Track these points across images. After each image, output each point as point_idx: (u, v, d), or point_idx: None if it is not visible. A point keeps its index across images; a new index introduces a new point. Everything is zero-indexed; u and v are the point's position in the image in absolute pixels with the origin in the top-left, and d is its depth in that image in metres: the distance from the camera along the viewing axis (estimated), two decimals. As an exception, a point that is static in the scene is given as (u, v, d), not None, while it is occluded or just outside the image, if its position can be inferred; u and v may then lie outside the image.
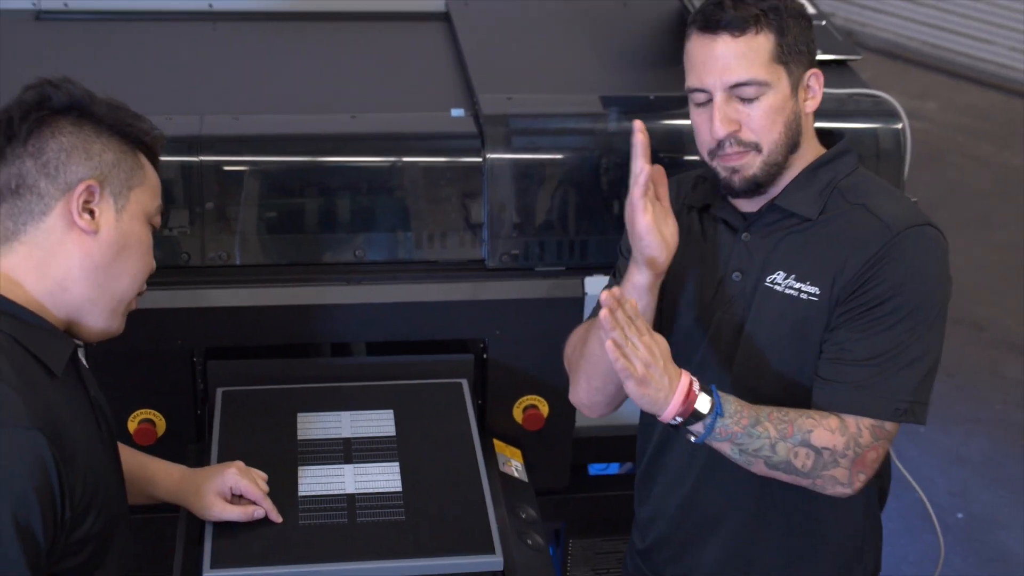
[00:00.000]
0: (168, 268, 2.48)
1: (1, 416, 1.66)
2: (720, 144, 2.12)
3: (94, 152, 1.83)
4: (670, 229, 2.08)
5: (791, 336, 2.15)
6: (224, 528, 2.18)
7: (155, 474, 2.23)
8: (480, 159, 2.56)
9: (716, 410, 2.02)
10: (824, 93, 2.60)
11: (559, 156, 2.58)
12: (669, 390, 1.99)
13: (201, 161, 2.49)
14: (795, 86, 2.13)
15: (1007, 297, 5.52)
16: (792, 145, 2.15)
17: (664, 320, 2.28)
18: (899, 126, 2.67)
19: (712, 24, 2.10)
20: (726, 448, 2.05)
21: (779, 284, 2.15)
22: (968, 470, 4.47)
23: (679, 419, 2.00)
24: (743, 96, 2.10)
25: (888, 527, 4.06)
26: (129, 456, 2.22)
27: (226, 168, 2.51)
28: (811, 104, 2.17)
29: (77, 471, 1.75)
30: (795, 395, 2.16)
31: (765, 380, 2.20)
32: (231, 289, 2.53)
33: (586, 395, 2.29)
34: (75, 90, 1.85)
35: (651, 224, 2.03)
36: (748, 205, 2.21)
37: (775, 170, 2.14)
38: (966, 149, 6.88)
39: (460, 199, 2.58)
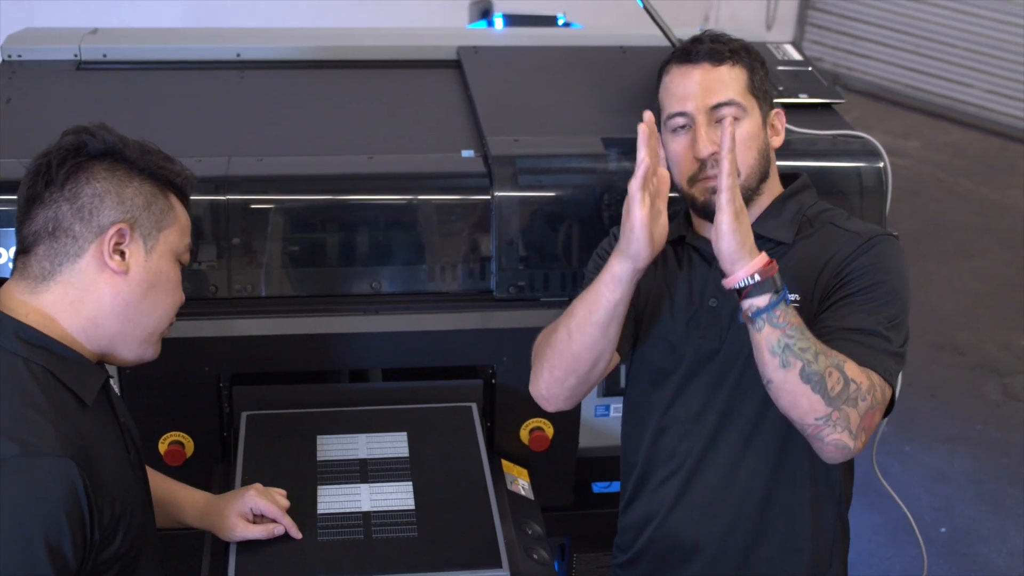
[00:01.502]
0: (197, 300, 2.48)
1: (36, 444, 1.66)
2: (702, 166, 2.13)
3: (126, 196, 1.83)
4: (660, 229, 2.01)
5: None
6: (247, 545, 2.17)
7: (182, 501, 2.23)
8: (489, 197, 2.56)
9: (785, 292, 1.95)
10: (810, 134, 2.61)
11: (562, 194, 2.58)
12: (753, 248, 1.94)
13: (228, 200, 2.49)
14: (764, 120, 2.19)
15: (986, 323, 5.50)
16: (763, 174, 2.19)
17: (643, 347, 2.27)
18: (881, 165, 2.66)
19: (692, 56, 2.16)
20: (774, 338, 1.94)
21: None
22: (951, 487, 4.45)
23: (757, 277, 1.92)
24: (723, 118, 2.10)
25: (874, 541, 4.07)
26: (160, 483, 2.22)
27: (251, 206, 2.51)
28: (776, 141, 2.23)
29: (105, 495, 1.74)
30: (777, 415, 2.11)
31: (746, 402, 2.18)
32: (256, 319, 2.52)
33: (546, 386, 2.22)
34: (109, 136, 1.85)
35: (645, 219, 1.95)
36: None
37: (749, 195, 2.16)
38: (946, 184, 6.87)
39: (470, 234, 2.58)
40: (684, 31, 3.11)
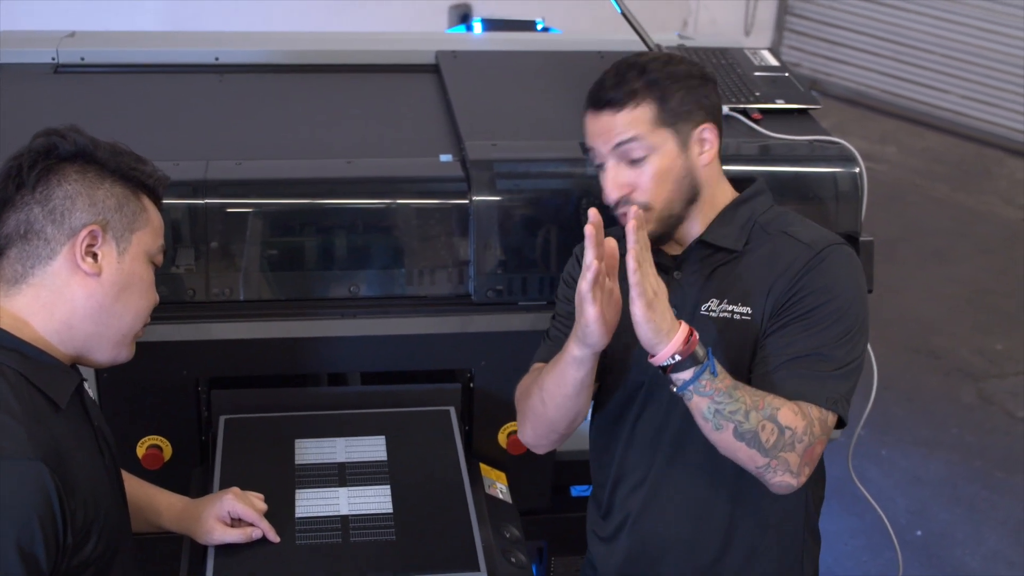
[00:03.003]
0: (175, 303, 2.48)
1: (7, 448, 1.66)
2: (616, 204, 2.16)
3: (98, 198, 1.83)
4: (613, 314, 2.05)
5: (728, 358, 2.15)
6: (225, 549, 2.17)
7: (160, 505, 2.22)
8: (467, 201, 2.56)
9: (709, 361, 1.99)
10: (786, 140, 2.62)
11: (540, 198, 2.58)
12: (672, 326, 1.97)
13: (206, 204, 2.49)
14: (684, 143, 2.16)
15: (962, 328, 5.53)
16: (688, 198, 2.18)
17: (609, 359, 2.29)
18: (856, 170, 2.67)
19: (597, 102, 2.17)
20: (703, 405, 2.00)
21: (714, 311, 2.17)
22: (926, 490, 4.47)
23: (677, 357, 1.96)
24: (631, 158, 2.14)
25: (851, 544, 4.08)
26: (138, 487, 2.22)
27: (229, 210, 2.51)
28: (707, 156, 2.19)
29: (78, 498, 1.74)
30: None
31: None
32: (234, 323, 2.52)
33: (532, 439, 2.30)
34: (80, 138, 1.85)
35: (599, 315, 2.00)
36: (673, 249, 2.25)
37: (672, 222, 2.19)
38: (923, 190, 6.90)
39: (448, 238, 2.58)
40: (662, 36, 3.14)
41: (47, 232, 1.80)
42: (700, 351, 1.98)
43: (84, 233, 1.81)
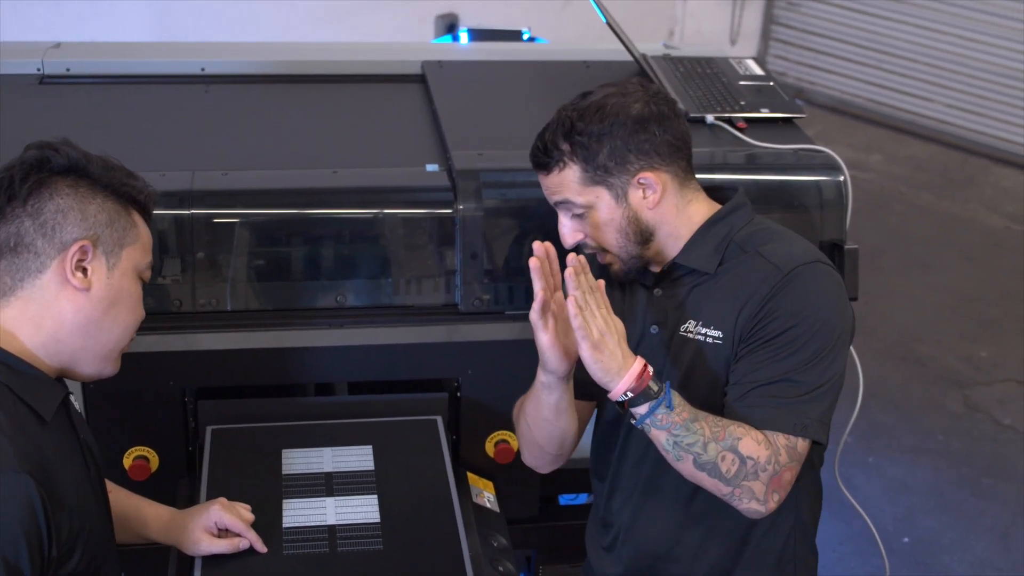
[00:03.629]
0: (161, 314, 2.48)
1: None
2: (575, 249, 2.19)
3: (89, 213, 1.83)
4: (571, 340, 2.08)
5: (703, 379, 2.17)
6: (212, 560, 2.16)
7: (147, 515, 2.22)
8: (453, 211, 2.56)
9: (666, 395, 2.02)
10: (772, 149, 2.63)
11: (526, 208, 2.59)
12: (623, 363, 2.01)
13: (192, 214, 2.48)
14: (622, 194, 2.16)
15: (947, 335, 5.54)
16: (642, 239, 2.19)
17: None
18: (841, 179, 2.68)
19: (533, 163, 2.22)
20: (662, 438, 2.04)
21: (691, 332, 2.18)
22: (913, 497, 4.48)
23: (629, 394, 2.01)
24: (573, 213, 2.18)
25: (838, 551, 4.09)
26: (125, 498, 2.21)
27: (215, 220, 2.51)
28: (652, 199, 2.17)
29: (64, 511, 1.74)
30: None
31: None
32: (220, 333, 2.52)
33: (532, 461, 2.36)
34: (73, 152, 1.85)
35: (552, 340, 2.07)
36: (654, 265, 2.25)
37: (637, 262, 2.21)
38: (908, 198, 6.92)
39: (434, 248, 2.58)
40: (648, 46, 3.15)
41: (37, 245, 1.80)
42: (654, 386, 2.03)
43: (75, 248, 1.81)
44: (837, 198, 2.68)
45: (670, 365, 2.20)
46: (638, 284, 2.27)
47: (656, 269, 2.24)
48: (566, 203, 2.18)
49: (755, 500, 2.05)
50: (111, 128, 2.80)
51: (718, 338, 2.15)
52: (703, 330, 2.17)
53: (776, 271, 2.13)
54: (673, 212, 2.19)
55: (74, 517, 1.77)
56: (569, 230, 2.20)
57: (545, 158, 2.17)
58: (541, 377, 2.15)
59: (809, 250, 2.20)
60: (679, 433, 2.03)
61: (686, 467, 2.06)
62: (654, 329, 2.22)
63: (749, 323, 2.12)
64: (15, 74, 3.00)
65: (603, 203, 2.16)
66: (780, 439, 2.07)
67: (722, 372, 2.16)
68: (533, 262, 2.05)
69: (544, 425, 2.22)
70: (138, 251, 1.90)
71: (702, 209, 2.23)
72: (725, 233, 2.21)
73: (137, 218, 1.92)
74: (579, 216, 2.18)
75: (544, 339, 2.06)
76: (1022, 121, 7.33)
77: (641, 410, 2.02)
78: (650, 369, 2.03)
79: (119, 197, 1.88)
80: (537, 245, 2.07)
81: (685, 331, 2.19)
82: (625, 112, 2.14)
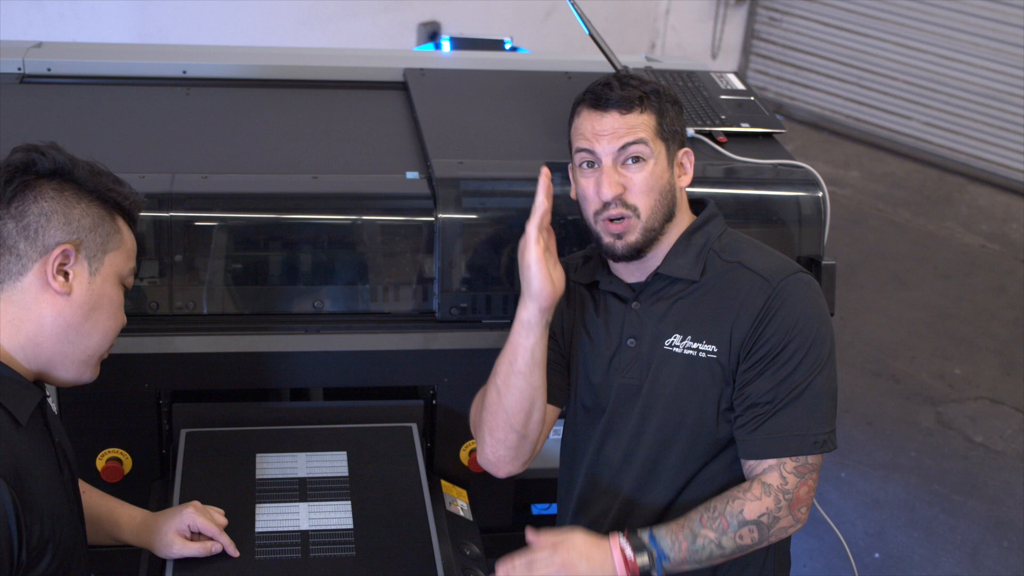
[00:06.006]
0: (138, 316, 2.47)
1: None
2: (606, 205, 2.17)
3: (73, 217, 1.82)
4: (558, 273, 2.13)
5: (693, 393, 2.19)
6: (184, 563, 2.16)
7: (120, 517, 2.21)
8: (432, 219, 2.57)
9: (658, 558, 2.08)
10: (751, 163, 2.64)
11: (506, 217, 2.59)
12: (610, 569, 2.06)
13: (171, 217, 2.48)
14: (671, 162, 2.21)
15: (922, 352, 5.57)
16: (668, 214, 2.21)
17: (573, 390, 2.33)
18: (820, 194, 2.70)
19: (603, 102, 2.19)
20: (684, 568, 2.11)
21: (677, 346, 2.19)
22: (885, 513, 4.49)
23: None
24: (633, 156, 2.17)
25: (810, 566, 4.10)
26: (98, 499, 2.20)
27: (194, 223, 2.51)
28: (684, 180, 2.25)
29: (35, 515, 1.73)
30: (700, 447, 2.21)
31: (671, 436, 2.23)
32: (197, 337, 2.52)
33: (491, 451, 2.27)
34: (59, 156, 1.84)
35: (540, 256, 2.09)
36: (632, 276, 2.26)
37: (653, 235, 2.20)
38: (885, 214, 6.95)
39: (413, 255, 2.58)
40: (630, 58, 3.15)
41: (19, 248, 1.80)
42: (643, 561, 2.08)
43: (57, 252, 1.80)
44: (815, 214, 2.69)
45: (651, 379, 2.21)
46: (613, 298, 2.27)
47: (633, 279, 2.25)
48: (636, 145, 2.16)
49: (790, 529, 2.15)
50: (92, 129, 2.79)
51: (712, 352, 2.16)
52: (694, 344, 2.17)
53: (765, 284, 2.16)
54: (683, 203, 2.27)
55: (45, 521, 1.76)
56: (613, 181, 2.16)
57: (629, 95, 2.18)
58: (522, 314, 2.14)
59: (787, 261, 2.24)
60: (692, 558, 2.10)
61: (722, 563, 2.16)
62: (630, 342, 2.23)
63: (747, 341, 2.14)
64: (-5, 72, 2.99)
65: (660, 159, 2.19)
66: (787, 465, 2.12)
67: (716, 387, 2.17)
68: (545, 172, 2.10)
69: (516, 381, 2.18)
70: (121, 257, 1.90)
71: (685, 217, 2.27)
72: (703, 242, 2.23)
73: (122, 224, 1.91)
74: (635, 165, 2.16)
75: (535, 252, 2.08)
76: (999, 140, 7.38)
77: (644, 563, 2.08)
78: (627, 549, 2.08)
79: (104, 202, 1.88)
80: (545, 167, 2.12)
81: (670, 346, 2.19)
82: (674, 95, 2.26)
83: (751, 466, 2.17)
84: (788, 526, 2.14)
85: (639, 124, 2.17)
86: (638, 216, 2.17)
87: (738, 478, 2.21)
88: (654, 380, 2.21)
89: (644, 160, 2.17)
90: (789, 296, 2.14)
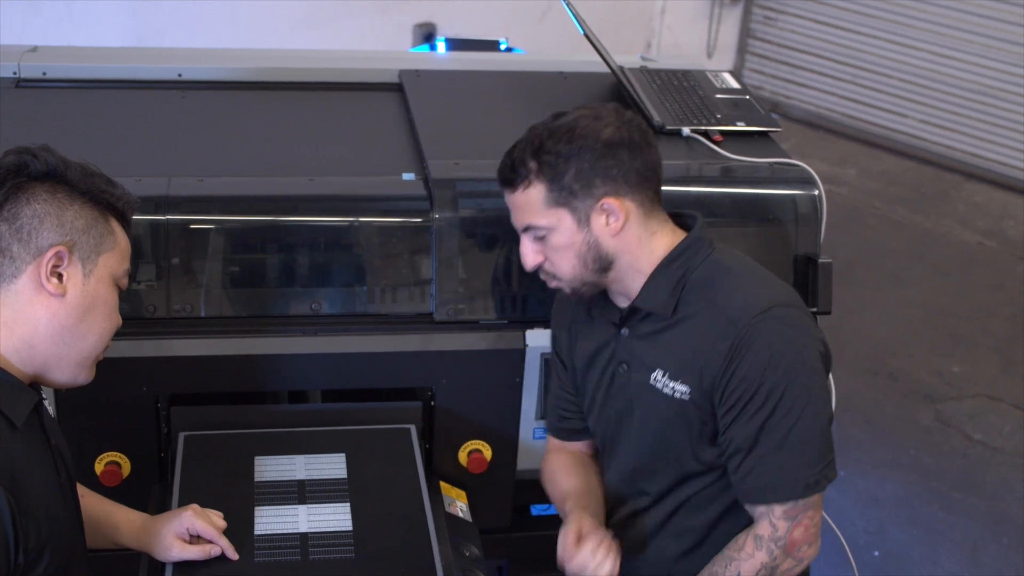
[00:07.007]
0: (135, 319, 2.47)
1: None
2: (534, 271, 2.22)
3: (66, 219, 1.82)
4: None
5: (679, 434, 2.20)
6: (183, 566, 2.16)
7: (118, 521, 2.21)
8: (429, 220, 2.57)
9: None
10: (747, 162, 2.64)
11: (502, 217, 2.57)
12: None
13: (168, 220, 2.48)
14: (585, 218, 2.14)
15: (920, 350, 5.57)
16: (600, 268, 2.17)
17: (585, 408, 2.38)
18: (816, 193, 2.70)
19: (500, 180, 2.20)
20: None
21: (659, 382, 2.19)
22: (884, 511, 4.49)
23: None
24: (535, 236, 2.17)
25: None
26: (96, 503, 2.20)
27: (191, 226, 2.51)
28: (615, 226, 2.14)
29: (32, 518, 1.73)
30: (689, 474, 2.22)
31: (660, 465, 2.26)
32: (194, 339, 2.51)
33: None
34: (52, 158, 1.84)
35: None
36: (621, 302, 2.25)
37: (590, 288, 2.20)
38: (881, 212, 6.95)
39: (410, 257, 2.59)
40: (625, 58, 3.16)
41: (13, 250, 1.80)
42: None
43: (50, 253, 1.80)
44: (812, 212, 2.69)
45: (638, 409, 2.23)
46: (606, 322, 2.28)
47: (621, 304, 2.25)
48: (530, 227, 2.17)
49: (796, 568, 2.16)
50: (87, 133, 2.79)
51: (685, 393, 2.16)
52: (671, 383, 2.17)
53: (731, 327, 2.09)
54: (635, 242, 2.17)
55: (42, 525, 1.76)
56: (530, 252, 2.19)
57: (511, 174, 2.15)
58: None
59: (763, 290, 2.16)
60: None
61: None
62: (623, 368, 2.25)
63: (716, 384, 2.11)
64: (-9, 77, 2.99)
65: (564, 226, 2.14)
66: (775, 511, 2.11)
67: (694, 426, 2.17)
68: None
69: None
70: (115, 258, 1.90)
71: (665, 242, 2.20)
72: (680, 275, 2.17)
73: (115, 225, 1.91)
74: (540, 239, 2.17)
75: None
76: (995, 138, 7.39)
77: None
78: None
79: (97, 204, 1.88)
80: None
81: (654, 380, 2.19)
82: (595, 135, 2.11)
83: (747, 508, 2.18)
84: (791, 567, 2.13)
85: (528, 202, 2.15)
86: (562, 279, 2.19)
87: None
88: (643, 409, 2.23)
89: (547, 234, 2.15)
90: (757, 339, 2.07)
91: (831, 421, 2.15)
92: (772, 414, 2.07)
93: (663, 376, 2.18)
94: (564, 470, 2.43)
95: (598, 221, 2.13)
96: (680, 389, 2.16)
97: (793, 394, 2.07)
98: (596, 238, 2.14)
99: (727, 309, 2.11)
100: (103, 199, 1.89)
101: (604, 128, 2.12)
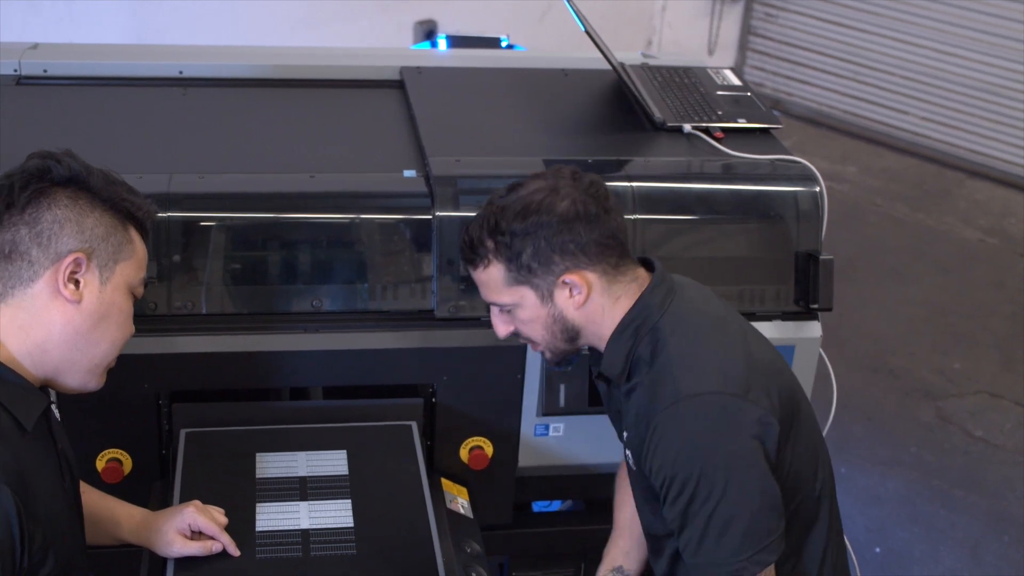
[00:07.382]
0: (137, 316, 2.46)
1: None
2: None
3: (86, 226, 1.83)
4: None
5: (638, 488, 2.26)
6: (185, 562, 2.16)
7: (120, 516, 2.22)
8: (430, 217, 2.57)
9: None
10: (748, 159, 2.64)
11: (503, 214, 2.59)
12: None
13: (169, 217, 2.48)
14: (547, 293, 2.12)
15: (920, 347, 5.57)
16: (569, 336, 2.17)
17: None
18: (817, 189, 2.70)
19: (462, 258, 2.22)
20: None
21: (625, 441, 2.22)
22: (885, 508, 4.50)
23: None
24: (501, 310, 2.19)
25: (810, 561, 4.09)
26: (98, 499, 2.21)
27: (192, 223, 2.51)
28: (579, 299, 2.11)
29: (38, 520, 1.74)
30: (669, 532, 2.18)
31: (646, 517, 2.29)
32: (196, 336, 2.51)
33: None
34: (75, 164, 1.85)
35: None
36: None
37: (563, 355, 2.21)
38: (883, 209, 6.95)
39: (411, 254, 2.59)
40: (626, 55, 3.16)
41: (32, 254, 1.80)
42: None
43: (69, 259, 1.81)
44: (813, 209, 2.69)
45: (627, 454, 2.24)
46: (601, 378, 2.28)
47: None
48: (493, 302, 2.18)
49: None
50: (88, 130, 2.79)
51: (633, 465, 2.19)
52: (627, 452, 2.21)
53: (650, 415, 2.06)
54: (599, 312, 2.14)
55: (47, 527, 1.77)
56: (500, 323, 2.21)
57: (471, 254, 2.15)
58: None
59: (694, 372, 2.06)
60: None
61: None
62: (618, 423, 2.29)
63: (644, 464, 2.10)
64: (-8, 74, 2.99)
65: (528, 302, 2.13)
66: None
67: (650, 490, 2.15)
68: None
69: None
70: (132, 267, 1.91)
71: (627, 304, 2.15)
72: (631, 344, 2.13)
73: (134, 234, 1.92)
74: (508, 312, 2.18)
75: None
76: (997, 135, 7.39)
77: None
78: None
79: (117, 212, 1.88)
80: None
81: (624, 438, 2.23)
82: (550, 211, 2.07)
83: None
84: None
85: (490, 280, 2.15)
86: (539, 344, 2.20)
87: None
88: (627, 457, 2.25)
89: (512, 309, 2.16)
90: (665, 432, 2.03)
91: (771, 506, 2.04)
92: (692, 501, 2.02)
93: (625, 438, 2.21)
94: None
95: (561, 295, 2.12)
96: (631, 458, 2.19)
97: (706, 487, 2.00)
98: (560, 311, 2.13)
99: (656, 393, 2.07)
100: (123, 207, 1.89)
101: (560, 202, 2.08)
